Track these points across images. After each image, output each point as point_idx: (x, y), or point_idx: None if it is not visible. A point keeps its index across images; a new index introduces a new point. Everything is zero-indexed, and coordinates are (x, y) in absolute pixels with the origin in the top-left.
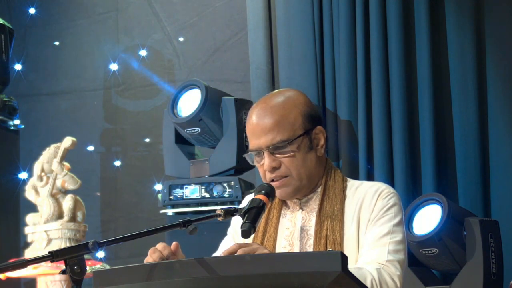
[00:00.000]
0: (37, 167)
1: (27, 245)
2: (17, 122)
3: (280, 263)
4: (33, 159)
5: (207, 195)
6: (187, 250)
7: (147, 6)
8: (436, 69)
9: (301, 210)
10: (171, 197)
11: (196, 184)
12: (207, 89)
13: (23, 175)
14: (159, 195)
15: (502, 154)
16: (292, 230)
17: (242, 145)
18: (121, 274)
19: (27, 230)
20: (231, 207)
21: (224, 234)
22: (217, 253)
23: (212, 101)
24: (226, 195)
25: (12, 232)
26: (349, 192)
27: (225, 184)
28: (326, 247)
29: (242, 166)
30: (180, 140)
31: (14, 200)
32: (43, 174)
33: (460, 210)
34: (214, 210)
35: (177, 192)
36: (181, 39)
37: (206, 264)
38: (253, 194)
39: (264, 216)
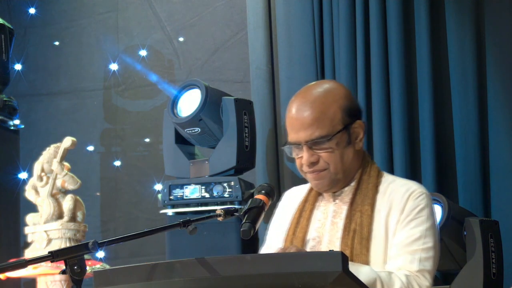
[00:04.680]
0: (37, 167)
1: (27, 245)
2: (17, 122)
3: (280, 263)
4: (33, 159)
5: (207, 195)
6: (187, 250)
7: (147, 6)
8: (436, 69)
9: (334, 202)
10: (171, 197)
11: (196, 184)
12: (207, 89)
13: (23, 175)
14: (159, 195)
15: (502, 154)
16: (323, 222)
17: (242, 145)
18: (121, 274)
19: (27, 230)
20: (231, 207)
21: (224, 234)
22: (267, 242)
23: (212, 101)
24: (226, 195)
25: (12, 232)
26: (381, 188)
27: (225, 184)
28: (353, 241)
29: (242, 166)
30: (180, 140)
31: (14, 200)
32: (43, 174)
33: (460, 210)
34: (214, 210)
35: (177, 192)
36: (181, 39)
37: (207, 264)
38: (293, 188)
39: (299, 206)
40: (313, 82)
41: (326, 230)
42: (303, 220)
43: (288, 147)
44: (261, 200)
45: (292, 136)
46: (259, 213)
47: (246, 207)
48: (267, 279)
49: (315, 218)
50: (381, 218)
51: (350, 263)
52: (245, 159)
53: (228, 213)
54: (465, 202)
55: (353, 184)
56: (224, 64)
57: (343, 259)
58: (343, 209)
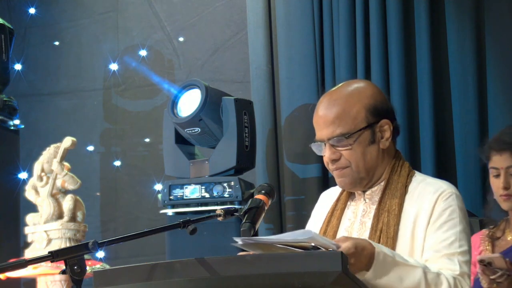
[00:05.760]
0: (37, 167)
1: (27, 245)
2: (17, 122)
3: (280, 263)
4: (33, 159)
5: (207, 195)
6: (187, 250)
7: (147, 6)
8: (436, 69)
9: (364, 202)
10: (171, 197)
11: (196, 184)
12: (207, 89)
13: (23, 175)
14: (159, 195)
15: None
16: (353, 222)
17: (242, 145)
18: (121, 274)
19: (27, 230)
20: (231, 207)
21: (224, 234)
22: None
23: (212, 101)
24: (226, 195)
25: (12, 232)
26: (411, 187)
27: (225, 184)
28: (379, 240)
29: (242, 166)
30: (180, 140)
31: (14, 200)
32: (43, 174)
33: None
34: (214, 210)
35: (177, 192)
36: (181, 39)
37: (207, 264)
38: (331, 189)
39: (332, 206)
40: (345, 81)
41: (355, 230)
42: (333, 219)
43: (315, 145)
44: (261, 200)
45: (317, 134)
46: (259, 213)
47: (246, 207)
48: (267, 279)
49: (346, 217)
50: (408, 219)
51: (402, 261)
52: (245, 159)
53: (228, 213)
54: (465, 202)
55: (382, 183)
56: (224, 64)
57: (343, 259)
58: (372, 208)
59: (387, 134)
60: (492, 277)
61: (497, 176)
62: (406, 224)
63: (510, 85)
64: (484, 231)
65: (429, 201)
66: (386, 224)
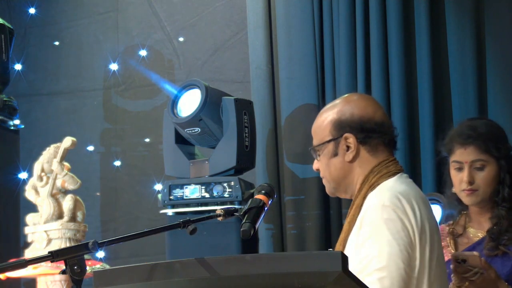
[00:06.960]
0: (37, 167)
1: (27, 245)
2: (17, 122)
3: (280, 263)
4: (33, 159)
5: (207, 195)
6: (187, 250)
7: (147, 6)
8: (436, 69)
9: None
10: (171, 197)
11: (196, 184)
12: (207, 89)
13: (23, 175)
14: (159, 195)
15: None
16: None
17: (242, 145)
18: (121, 274)
19: (27, 230)
20: (231, 207)
21: (224, 234)
22: None
23: (212, 101)
24: (226, 195)
25: (12, 232)
26: (369, 196)
27: (225, 184)
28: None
29: (242, 166)
30: (180, 140)
31: (14, 200)
32: (43, 174)
33: None
34: (214, 210)
35: (177, 192)
36: (181, 39)
37: (207, 264)
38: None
39: None
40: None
41: None
42: None
43: None
44: (261, 200)
45: None
46: (259, 213)
47: (246, 207)
48: (267, 279)
49: None
50: (351, 236)
51: None
52: (245, 159)
53: (228, 213)
54: None
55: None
56: (224, 64)
57: (343, 259)
58: None
59: (352, 147)
60: (465, 275)
61: (460, 170)
62: (351, 242)
63: (510, 85)
64: (444, 227)
65: (361, 217)
66: (340, 241)
